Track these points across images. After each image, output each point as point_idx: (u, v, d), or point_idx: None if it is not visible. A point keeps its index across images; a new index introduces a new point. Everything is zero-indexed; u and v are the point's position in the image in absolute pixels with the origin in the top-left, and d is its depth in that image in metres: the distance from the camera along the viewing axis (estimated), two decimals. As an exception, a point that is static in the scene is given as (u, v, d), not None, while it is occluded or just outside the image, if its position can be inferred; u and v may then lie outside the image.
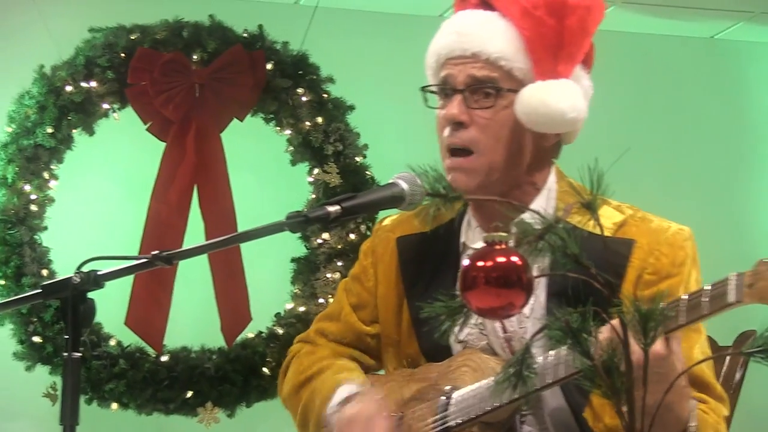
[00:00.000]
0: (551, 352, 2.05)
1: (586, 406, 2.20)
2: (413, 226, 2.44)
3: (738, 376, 2.63)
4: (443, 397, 2.28)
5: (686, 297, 1.84)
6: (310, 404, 2.42)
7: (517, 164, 2.31)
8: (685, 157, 5.51)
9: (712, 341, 2.62)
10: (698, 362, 2.11)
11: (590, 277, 1.42)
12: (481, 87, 2.26)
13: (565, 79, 2.27)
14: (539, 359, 2.08)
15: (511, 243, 1.44)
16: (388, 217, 2.57)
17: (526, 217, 2.15)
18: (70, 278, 1.94)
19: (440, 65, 2.31)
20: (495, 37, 2.27)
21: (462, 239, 2.39)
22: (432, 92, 2.35)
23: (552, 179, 2.35)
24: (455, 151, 2.27)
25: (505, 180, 2.30)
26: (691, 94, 5.58)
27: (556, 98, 2.24)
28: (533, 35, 2.26)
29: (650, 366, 1.86)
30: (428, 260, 2.41)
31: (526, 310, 2.27)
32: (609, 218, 2.27)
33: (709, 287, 1.80)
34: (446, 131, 2.27)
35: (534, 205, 2.31)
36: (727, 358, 2.64)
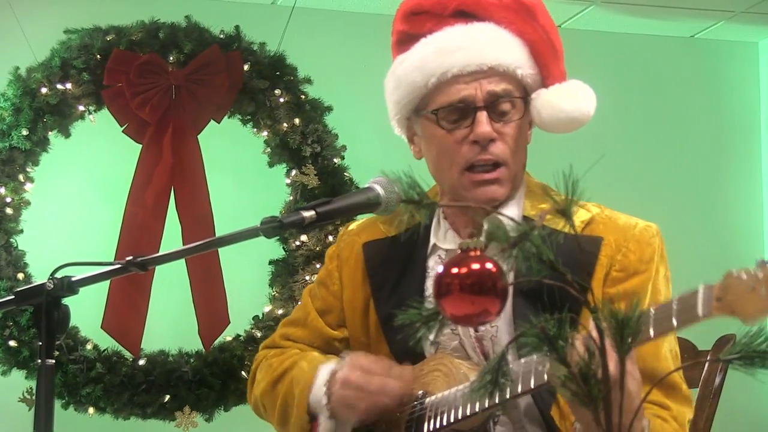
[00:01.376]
0: (522, 360, 2.05)
1: (553, 405, 2.21)
2: (379, 231, 2.45)
3: (718, 380, 2.64)
4: (416, 403, 2.28)
5: (654, 310, 1.84)
6: (288, 397, 2.41)
7: (524, 167, 2.35)
8: (665, 156, 5.52)
9: (691, 346, 2.63)
10: (672, 372, 2.11)
11: (566, 283, 1.42)
12: (502, 101, 2.26)
13: (576, 80, 2.30)
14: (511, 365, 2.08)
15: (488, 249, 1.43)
16: (354, 222, 2.57)
17: (497, 220, 2.17)
18: (43, 284, 1.94)
19: (441, 84, 2.27)
20: (506, 47, 2.28)
21: (432, 241, 2.39)
22: (432, 113, 2.31)
23: (523, 179, 2.37)
24: (480, 166, 2.27)
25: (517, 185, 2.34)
26: (671, 93, 5.59)
27: (585, 101, 2.29)
28: (536, 39, 2.28)
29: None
30: (395, 262, 2.41)
31: None
32: (576, 216, 2.27)
33: (678, 300, 1.79)
34: (470, 149, 2.26)
35: (508, 205, 2.32)
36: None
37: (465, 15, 2.32)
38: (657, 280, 2.25)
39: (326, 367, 2.35)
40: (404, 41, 2.39)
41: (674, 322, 1.79)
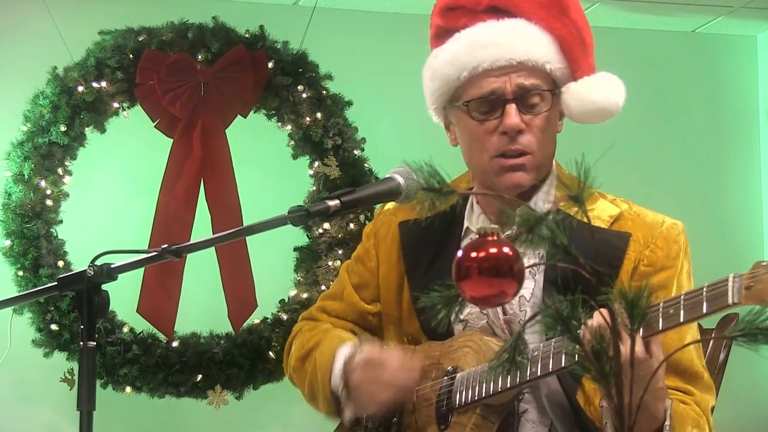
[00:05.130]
0: (553, 340, 2.05)
1: (579, 390, 2.20)
2: (414, 211, 2.45)
3: (722, 357, 2.64)
4: (446, 378, 2.28)
5: (684, 296, 1.84)
6: (314, 377, 2.43)
7: (553, 157, 2.35)
8: (667, 149, 5.49)
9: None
10: (679, 348, 2.11)
11: (579, 266, 1.42)
12: (531, 94, 2.26)
13: (605, 72, 2.30)
14: (540, 345, 2.08)
15: (507, 233, 1.43)
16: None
17: (528, 210, 2.18)
18: (84, 271, 1.96)
19: (473, 77, 2.27)
20: (536, 42, 2.27)
21: (466, 224, 2.40)
22: (464, 105, 2.31)
23: (553, 170, 2.37)
24: (510, 154, 2.27)
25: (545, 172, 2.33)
26: (673, 86, 5.56)
27: (614, 92, 2.29)
28: (565, 34, 2.28)
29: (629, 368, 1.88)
30: (429, 243, 2.41)
31: (527, 294, 2.28)
32: (605, 211, 2.28)
33: (708, 287, 1.79)
34: (500, 140, 2.26)
35: (537, 195, 2.32)
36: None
37: (497, 11, 2.31)
38: (681, 275, 2.25)
39: (342, 353, 2.37)
40: (440, 35, 2.39)
41: (704, 308, 1.79)
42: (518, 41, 2.26)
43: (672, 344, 2.15)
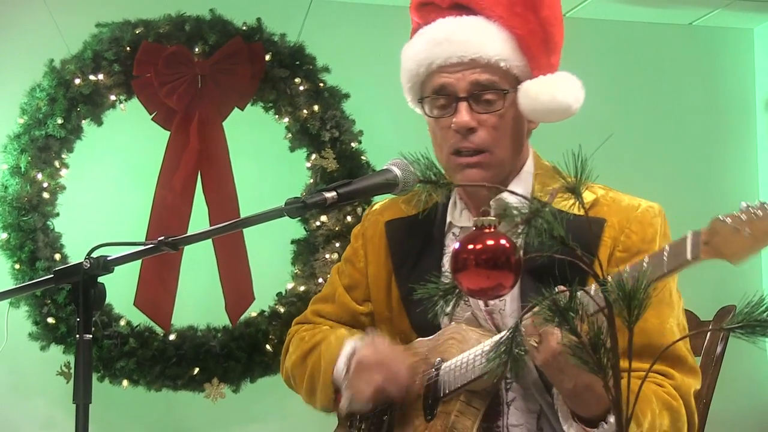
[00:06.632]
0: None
1: None
2: (400, 210, 2.47)
3: (719, 349, 2.63)
4: (433, 369, 2.30)
5: (648, 259, 1.84)
6: (316, 369, 2.44)
7: (518, 153, 2.34)
8: (664, 141, 5.49)
9: (693, 316, 2.63)
10: (676, 341, 2.11)
11: (575, 258, 1.41)
12: (485, 91, 2.25)
13: (565, 72, 2.29)
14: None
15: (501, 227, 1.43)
16: (378, 203, 2.59)
17: (504, 197, 2.19)
18: (80, 264, 1.95)
19: (430, 73, 2.29)
20: (490, 40, 2.26)
21: (449, 219, 2.40)
22: (419, 101, 2.33)
23: (530, 162, 2.37)
24: (464, 152, 2.27)
25: (509, 169, 2.32)
26: (670, 78, 5.56)
27: (563, 92, 2.27)
28: (525, 33, 2.27)
29: (563, 354, 1.88)
30: (414, 241, 2.42)
31: None
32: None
33: (668, 247, 1.80)
34: (454, 136, 2.26)
35: (511, 188, 2.32)
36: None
37: (460, 8, 2.32)
38: None
39: (350, 343, 2.38)
40: (416, 30, 2.40)
41: (665, 268, 1.79)
42: (473, 38, 2.26)
43: (653, 329, 2.15)
